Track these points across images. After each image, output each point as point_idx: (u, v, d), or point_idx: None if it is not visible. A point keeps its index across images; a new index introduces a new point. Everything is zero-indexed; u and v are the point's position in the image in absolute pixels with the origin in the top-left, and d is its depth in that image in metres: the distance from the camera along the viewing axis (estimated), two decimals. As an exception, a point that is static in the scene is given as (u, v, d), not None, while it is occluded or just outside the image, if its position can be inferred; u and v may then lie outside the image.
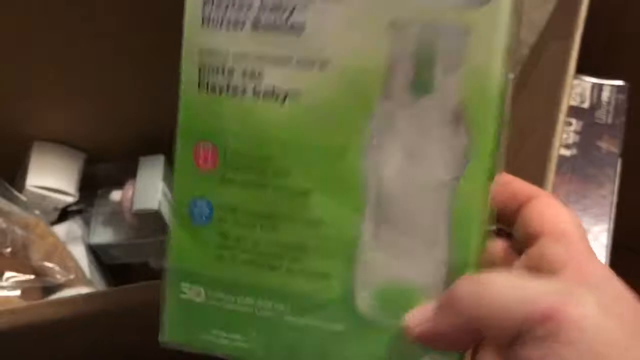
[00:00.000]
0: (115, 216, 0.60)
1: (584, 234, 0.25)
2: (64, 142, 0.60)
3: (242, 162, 0.26)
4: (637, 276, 0.34)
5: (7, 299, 0.48)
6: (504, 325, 0.22)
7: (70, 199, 0.59)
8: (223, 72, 0.26)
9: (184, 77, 0.27)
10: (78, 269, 0.55)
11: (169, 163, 0.60)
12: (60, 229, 0.59)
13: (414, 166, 0.25)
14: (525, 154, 0.34)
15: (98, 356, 0.39)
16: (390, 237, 0.25)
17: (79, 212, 0.61)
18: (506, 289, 0.23)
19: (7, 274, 0.49)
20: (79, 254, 0.58)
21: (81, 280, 0.54)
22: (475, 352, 0.25)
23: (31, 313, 0.38)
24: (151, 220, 0.58)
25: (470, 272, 0.25)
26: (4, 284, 0.49)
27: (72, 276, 0.53)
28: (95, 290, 0.54)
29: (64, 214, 0.61)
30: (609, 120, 0.46)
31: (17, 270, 0.50)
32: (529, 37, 0.80)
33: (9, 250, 0.51)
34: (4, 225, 0.52)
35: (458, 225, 0.24)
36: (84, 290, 0.53)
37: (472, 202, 0.24)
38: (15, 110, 0.57)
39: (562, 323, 0.21)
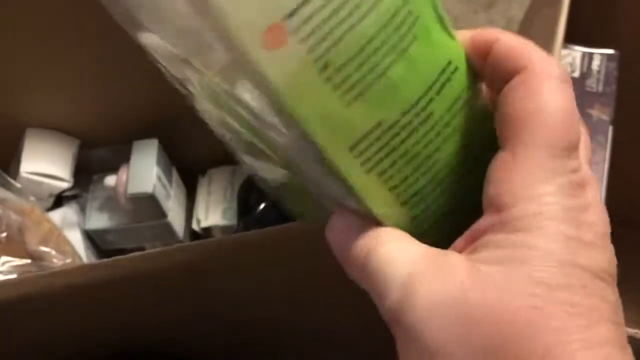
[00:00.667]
0: (111, 201, 0.60)
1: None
2: (57, 128, 0.60)
3: None
4: (630, 248, 0.34)
5: (3, 283, 0.48)
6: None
7: (65, 185, 0.59)
8: None
9: None
10: (74, 253, 0.55)
11: (163, 147, 0.60)
12: (56, 215, 0.59)
13: None
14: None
15: (93, 327, 0.39)
16: None
17: (74, 197, 0.61)
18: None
19: (3, 258, 0.49)
20: (75, 239, 0.58)
21: (77, 263, 0.54)
22: None
23: (23, 285, 0.38)
24: (146, 204, 0.58)
25: None
26: (0, 268, 0.49)
27: (68, 260, 0.53)
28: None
29: (59, 200, 0.61)
30: (600, 89, 0.46)
31: (14, 255, 0.50)
32: (519, 14, 0.80)
33: (4, 235, 0.51)
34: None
35: None
36: (80, 274, 0.53)
37: None
38: (8, 97, 0.57)
39: None
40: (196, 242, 0.34)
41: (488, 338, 0.20)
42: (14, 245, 0.51)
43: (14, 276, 0.49)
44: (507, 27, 0.77)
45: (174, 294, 0.37)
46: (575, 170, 0.22)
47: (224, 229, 0.61)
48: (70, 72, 0.56)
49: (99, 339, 0.40)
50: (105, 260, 0.34)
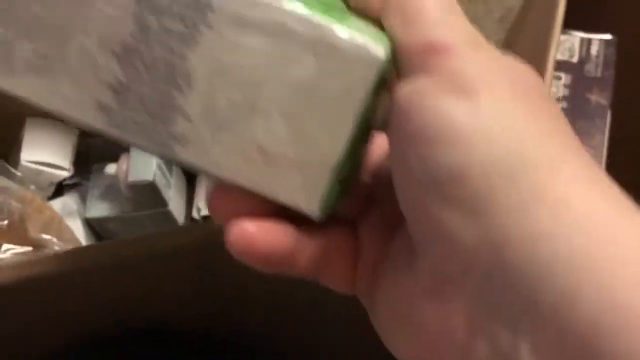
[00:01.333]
0: (111, 189, 0.60)
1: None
2: (57, 117, 0.60)
3: None
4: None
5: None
6: None
7: (65, 174, 0.59)
8: None
9: None
10: (76, 241, 0.55)
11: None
12: (56, 204, 0.59)
13: None
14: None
15: (92, 311, 0.40)
16: None
17: (74, 186, 0.61)
18: None
19: (5, 246, 0.50)
20: (76, 228, 0.58)
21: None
22: None
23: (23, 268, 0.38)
24: (147, 192, 0.58)
25: None
26: (1, 255, 0.49)
27: (69, 247, 0.53)
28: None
29: (60, 189, 0.61)
30: (598, 74, 0.46)
31: (15, 243, 0.50)
32: (517, 4, 0.80)
33: (5, 223, 0.51)
34: (0, 198, 0.52)
35: None
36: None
37: None
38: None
39: None
40: (199, 224, 0.34)
41: None
42: (15, 233, 0.51)
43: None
44: (505, 17, 0.77)
45: (176, 275, 0.37)
46: None
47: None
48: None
49: (103, 319, 0.41)
50: (106, 242, 0.34)
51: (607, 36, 0.49)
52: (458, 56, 0.21)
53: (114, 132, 0.23)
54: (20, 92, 0.24)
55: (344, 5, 0.23)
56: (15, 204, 0.53)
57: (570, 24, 0.46)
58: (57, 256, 0.35)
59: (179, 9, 0.21)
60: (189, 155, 0.23)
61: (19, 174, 0.57)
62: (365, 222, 0.25)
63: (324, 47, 0.21)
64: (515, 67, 0.21)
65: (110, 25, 0.22)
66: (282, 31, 0.21)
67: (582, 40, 0.48)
